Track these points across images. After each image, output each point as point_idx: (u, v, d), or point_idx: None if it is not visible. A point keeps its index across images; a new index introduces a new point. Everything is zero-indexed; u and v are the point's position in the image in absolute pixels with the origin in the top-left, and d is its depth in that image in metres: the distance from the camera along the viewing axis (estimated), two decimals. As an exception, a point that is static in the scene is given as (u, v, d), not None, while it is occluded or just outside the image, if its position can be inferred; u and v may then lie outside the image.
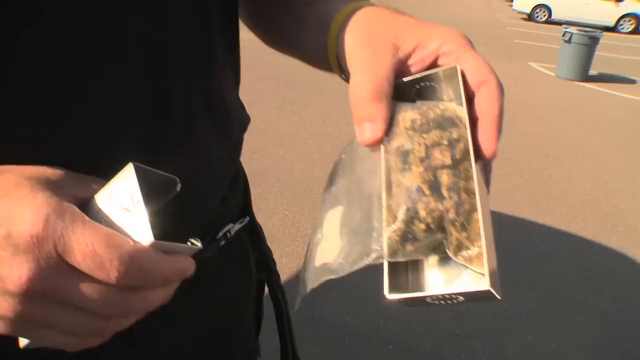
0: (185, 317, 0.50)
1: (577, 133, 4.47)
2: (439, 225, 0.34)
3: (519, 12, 13.77)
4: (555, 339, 1.99)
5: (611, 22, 12.73)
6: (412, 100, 0.38)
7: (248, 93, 4.62)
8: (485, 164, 0.37)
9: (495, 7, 16.56)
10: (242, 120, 0.54)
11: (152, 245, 0.28)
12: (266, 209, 2.69)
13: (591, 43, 6.22)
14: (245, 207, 0.61)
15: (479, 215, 0.33)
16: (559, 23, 11.62)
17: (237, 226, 0.55)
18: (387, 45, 0.38)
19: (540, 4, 13.20)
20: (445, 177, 0.34)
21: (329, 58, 0.45)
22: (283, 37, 0.55)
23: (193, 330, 0.52)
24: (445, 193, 0.34)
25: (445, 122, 0.36)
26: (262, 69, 5.09)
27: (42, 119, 0.34)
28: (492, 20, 12.70)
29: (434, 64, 0.39)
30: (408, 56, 0.39)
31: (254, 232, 0.62)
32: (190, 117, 0.43)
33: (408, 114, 0.37)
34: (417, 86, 0.39)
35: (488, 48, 8.24)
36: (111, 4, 0.35)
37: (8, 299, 0.27)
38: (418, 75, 0.39)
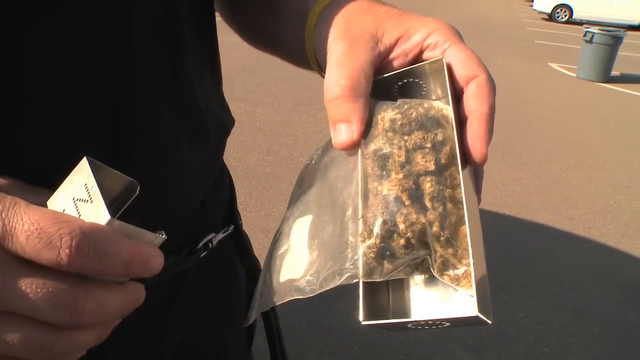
0: (164, 330, 0.47)
1: (598, 135, 4.35)
2: (421, 240, 0.30)
3: (540, 12, 13.58)
4: (573, 351, 1.91)
5: (636, 20, 12.41)
6: (395, 98, 0.34)
7: (262, 95, 4.68)
8: (475, 169, 0.33)
9: (516, 7, 16.35)
10: (222, 124, 0.50)
11: (109, 224, 0.24)
12: (277, 212, 2.66)
13: (614, 43, 6.10)
14: (231, 215, 0.57)
15: (467, 228, 0.29)
16: (581, 23, 11.39)
17: (221, 235, 0.52)
18: (366, 37, 0.35)
19: (561, 4, 12.97)
20: (428, 185, 0.30)
21: (307, 54, 0.42)
22: (263, 34, 0.52)
23: (174, 343, 0.49)
24: (428, 203, 0.30)
25: (430, 123, 0.32)
26: (276, 71, 5.09)
27: None
28: (512, 21, 12.54)
29: (418, 58, 0.35)
30: (389, 50, 0.35)
31: (240, 240, 0.59)
32: (158, 122, 0.40)
33: (388, 114, 0.33)
34: (400, 83, 0.36)
35: (508, 48, 8.12)
36: (72, 7, 0.32)
37: None
38: (401, 71, 0.35)
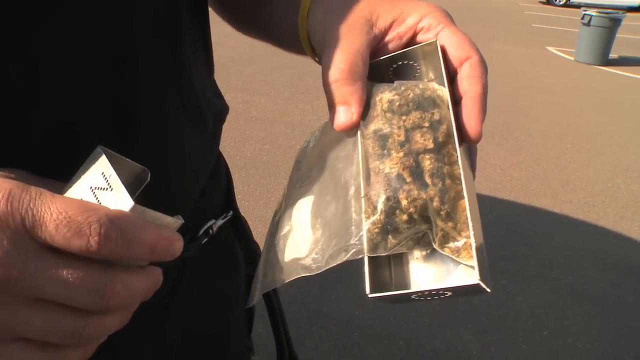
0: (169, 318, 0.48)
1: (596, 119, 4.35)
2: (423, 215, 0.31)
3: (537, -4, 13.49)
4: (572, 334, 1.93)
5: (636, 1, 12.32)
6: (390, 80, 0.36)
7: (259, 83, 4.66)
8: (469, 146, 0.35)
9: (512, -9, 16.24)
10: (217, 111, 0.51)
11: (133, 210, 0.25)
12: (276, 201, 2.65)
13: (612, 25, 6.08)
14: (228, 201, 0.58)
15: (466, 202, 0.30)
16: (579, 6, 11.31)
17: (220, 222, 0.53)
18: (361, 21, 0.36)
19: (558, -13, 12.89)
20: (427, 163, 0.32)
21: (300, 39, 0.42)
22: (255, 22, 0.52)
23: (178, 330, 0.50)
24: (428, 180, 0.31)
25: (426, 103, 0.33)
26: (273, 59, 5.07)
27: None
28: (509, 4, 12.47)
29: (412, 41, 0.36)
30: (384, 33, 0.36)
31: (239, 226, 0.60)
32: (161, 111, 0.40)
33: (385, 95, 0.34)
34: (395, 65, 0.37)
35: (505, 32, 8.09)
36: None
37: None
38: (395, 54, 0.36)
